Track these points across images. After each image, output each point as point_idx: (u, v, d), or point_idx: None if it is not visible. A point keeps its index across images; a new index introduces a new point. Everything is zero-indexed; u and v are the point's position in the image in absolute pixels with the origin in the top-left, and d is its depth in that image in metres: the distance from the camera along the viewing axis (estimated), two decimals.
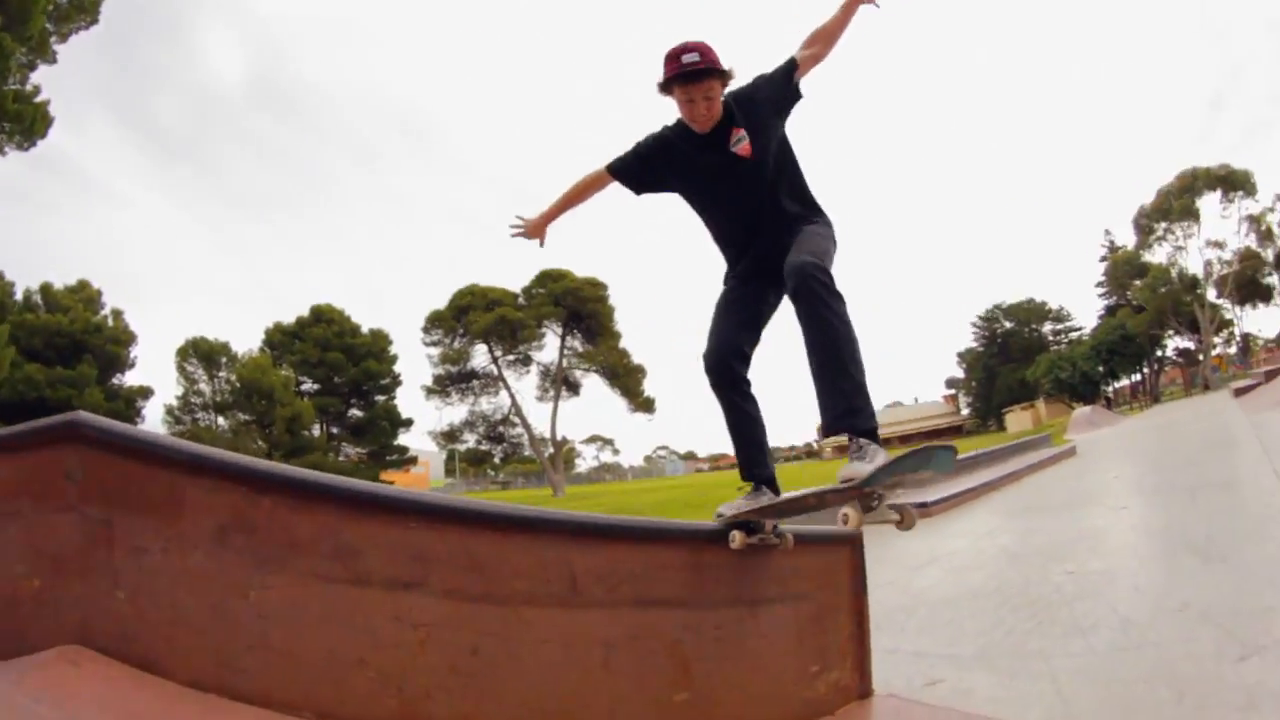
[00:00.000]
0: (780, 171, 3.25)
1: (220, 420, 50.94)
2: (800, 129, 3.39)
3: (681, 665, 3.04)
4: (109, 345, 46.50)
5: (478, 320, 58.38)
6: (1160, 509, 7.30)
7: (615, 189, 3.53)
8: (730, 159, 3.14)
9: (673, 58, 3.01)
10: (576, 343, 61.77)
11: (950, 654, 4.05)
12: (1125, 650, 3.63)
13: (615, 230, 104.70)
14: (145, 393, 48.76)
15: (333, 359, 55.30)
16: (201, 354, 51.28)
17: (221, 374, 51.54)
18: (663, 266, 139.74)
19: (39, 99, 25.98)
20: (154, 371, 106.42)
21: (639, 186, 3.45)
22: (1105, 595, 4.65)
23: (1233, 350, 63.29)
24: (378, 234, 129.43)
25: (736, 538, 3.05)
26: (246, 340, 59.52)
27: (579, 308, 59.85)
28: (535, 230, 3.64)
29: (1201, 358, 60.78)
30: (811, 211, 3.27)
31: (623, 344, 61.83)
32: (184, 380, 51.08)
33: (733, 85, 3.15)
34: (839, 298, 2.87)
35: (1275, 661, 3.14)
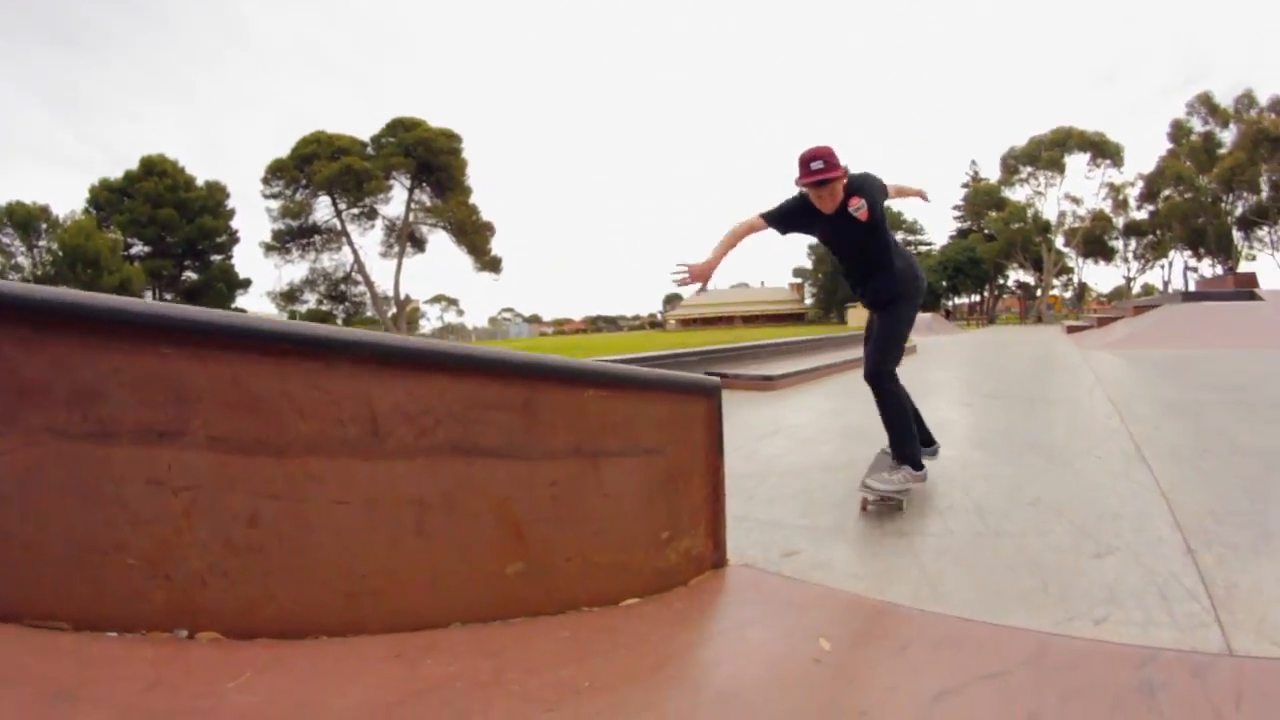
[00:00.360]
0: (880, 236, 4.13)
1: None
2: None
3: (513, 530, 2.59)
4: None
5: (322, 170, 55.33)
6: (1001, 413, 7.49)
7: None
8: (851, 221, 4.01)
9: (804, 165, 3.86)
10: (425, 197, 59.72)
11: (805, 525, 3.86)
12: (984, 536, 3.60)
13: (473, 83, 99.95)
14: None
15: (165, 216, 51.77)
16: (17, 221, 46.73)
17: (42, 243, 47.04)
18: (519, 125, 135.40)
19: None
20: None
21: (785, 231, 4.27)
22: (958, 481, 4.69)
23: (1068, 294, 71.20)
24: (217, 77, 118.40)
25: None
26: (72, 204, 54.13)
27: (430, 159, 57.58)
28: (702, 275, 4.09)
29: (1039, 294, 66.42)
30: (898, 284, 4.21)
31: (473, 200, 60.37)
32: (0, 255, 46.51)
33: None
34: (890, 392, 4.14)
35: (1131, 562, 3.17)
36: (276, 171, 56.64)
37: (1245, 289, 23.19)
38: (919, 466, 4.19)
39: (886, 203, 4.25)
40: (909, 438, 4.16)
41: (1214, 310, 18.42)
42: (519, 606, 2.59)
